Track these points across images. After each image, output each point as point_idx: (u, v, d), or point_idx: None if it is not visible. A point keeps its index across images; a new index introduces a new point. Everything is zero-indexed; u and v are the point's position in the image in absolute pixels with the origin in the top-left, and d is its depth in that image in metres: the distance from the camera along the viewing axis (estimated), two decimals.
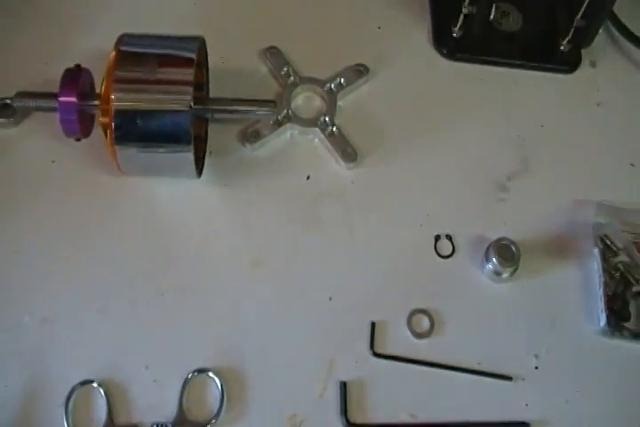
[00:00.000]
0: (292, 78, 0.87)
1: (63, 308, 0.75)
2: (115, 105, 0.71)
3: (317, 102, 0.87)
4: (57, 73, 0.77)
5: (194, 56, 0.73)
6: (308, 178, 0.83)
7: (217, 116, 0.78)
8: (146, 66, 0.72)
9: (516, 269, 0.78)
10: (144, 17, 0.90)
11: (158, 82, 0.72)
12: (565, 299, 0.80)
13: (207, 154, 0.81)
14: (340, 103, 0.86)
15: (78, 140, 0.77)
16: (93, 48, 0.84)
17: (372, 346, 0.75)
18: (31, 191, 0.80)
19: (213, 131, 0.82)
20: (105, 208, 0.80)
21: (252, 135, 0.83)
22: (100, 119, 0.74)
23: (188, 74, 0.72)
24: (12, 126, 0.83)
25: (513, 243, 0.78)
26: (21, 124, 0.84)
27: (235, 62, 0.88)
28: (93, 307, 0.75)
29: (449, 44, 0.92)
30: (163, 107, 0.71)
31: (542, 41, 0.95)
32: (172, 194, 0.81)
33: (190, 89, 0.71)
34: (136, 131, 0.71)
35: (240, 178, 0.82)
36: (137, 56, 0.73)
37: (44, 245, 0.78)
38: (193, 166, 0.74)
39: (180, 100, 0.71)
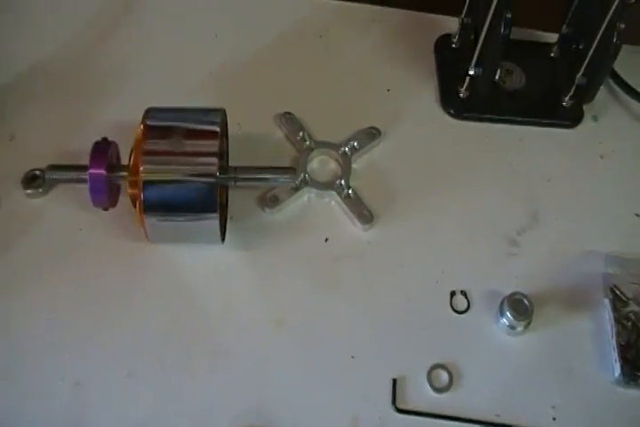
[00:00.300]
0: (307, 143, 0.90)
1: (95, 372, 0.77)
2: (143, 177, 0.74)
3: (332, 165, 0.91)
4: (79, 144, 0.82)
5: (218, 129, 0.76)
6: (326, 240, 0.85)
7: (239, 184, 0.81)
8: (172, 139, 0.75)
9: (529, 323, 0.81)
10: (163, 87, 0.94)
11: (184, 154, 0.75)
12: (580, 350, 0.82)
13: (228, 219, 0.84)
14: (353, 165, 0.89)
15: (106, 209, 0.80)
16: (114, 119, 0.89)
17: (394, 402, 0.77)
18: (61, 258, 0.83)
19: (233, 196, 0.85)
20: (132, 274, 0.82)
21: (270, 200, 0.86)
22: (129, 191, 0.77)
23: (212, 145, 0.75)
24: (39, 196, 0.86)
25: (526, 297, 0.81)
26: (48, 193, 0.87)
27: (251, 128, 0.91)
28: (124, 371, 0.77)
29: (456, 105, 0.96)
30: (190, 178, 0.74)
31: (545, 98, 0.99)
32: (195, 259, 0.83)
33: (216, 160, 0.74)
34: (164, 201, 0.74)
35: (261, 241, 0.85)
36: (163, 129, 0.76)
37: (74, 311, 0.80)
38: (218, 233, 0.77)
39: (207, 171, 0.74)
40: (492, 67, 0.91)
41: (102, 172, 0.77)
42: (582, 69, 0.92)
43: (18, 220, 0.85)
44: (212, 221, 0.76)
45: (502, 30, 0.84)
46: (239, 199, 0.86)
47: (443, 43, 1.01)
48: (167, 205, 0.75)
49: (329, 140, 0.91)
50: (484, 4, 0.86)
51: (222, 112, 0.79)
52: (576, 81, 0.93)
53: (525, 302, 0.81)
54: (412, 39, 1.02)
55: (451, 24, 1.02)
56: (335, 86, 0.97)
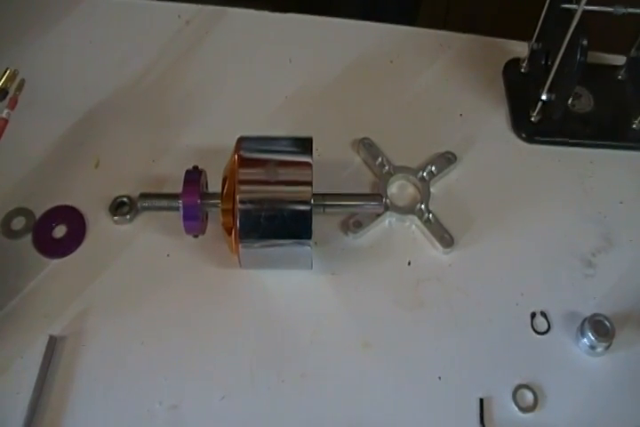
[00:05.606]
0: (386, 168, 0.92)
1: (190, 396, 0.79)
2: (240, 206, 0.76)
3: (411, 190, 0.92)
4: (161, 170, 0.89)
5: (310, 159, 0.78)
6: (409, 264, 0.87)
7: (328, 210, 0.83)
8: (266, 168, 0.77)
9: (610, 344, 0.82)
10: (240, 112, 0.97)
11: (279, 183, 0.77)
12: None
13: (312, 244, 0.86)
14: (431, 190, 0.91)
15: (196, 236, 0.83)
16: (193, 145, 0.93)
17: (481, 421, 0.79)
18: (151, 282, 0.85)
19: (317, 222, 0.86)
20: (221, 298, 0.85)
21: (354, 225, 0.88)
22: (223, 218, 0.78)
23: (306, 175, 0.77)
24: (126, 223, 0.89)
25: (607, 318, 0.82)
26: (135, 220, 0.89)
27: (330, 154, 0.93)
28: (218, 394, 0.79)
29: (527, 129, 0.97)
30: (284, 205, 0.76)
31: (614, 120, 0.99)
32: (284, 283, 0.85)
33: (309, 188, 0.76)
34: (259, 229, 0.76)
35: (345, 265, 0.87)
36: (257, 159, 0.78)
37: (167, 336, 0.82)
38: (311, 258, 0.79)
39: (301, 199, 0.76)
40: (566, 92, 0.92)
41: (196, 200, 0.79)
42: None
43: (106, 246, 0.88)
44: (306, 248, 0.78)
45: (578, 57, 0.85)
46: (322, 225, 0.87)
47: (511, 67, 1.03)
48: (262, 232, 0.76)
49: (406, 164, 0.93)
50: (558, 30, 0.88)
51: (310, 141, 0.80)
52: None
53: (607, 323, 0.82)
54: (479, 63, 1.04)
55: (518, 48, 1.04)
56: (408, 111, 0.99)
